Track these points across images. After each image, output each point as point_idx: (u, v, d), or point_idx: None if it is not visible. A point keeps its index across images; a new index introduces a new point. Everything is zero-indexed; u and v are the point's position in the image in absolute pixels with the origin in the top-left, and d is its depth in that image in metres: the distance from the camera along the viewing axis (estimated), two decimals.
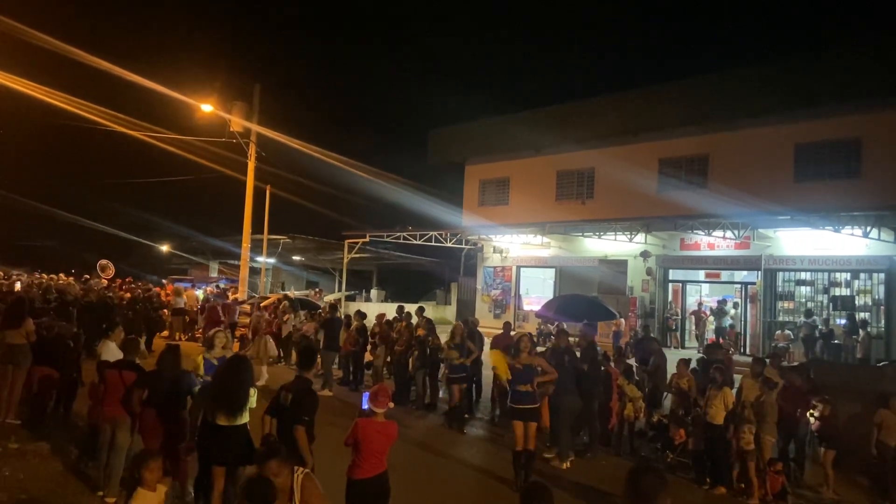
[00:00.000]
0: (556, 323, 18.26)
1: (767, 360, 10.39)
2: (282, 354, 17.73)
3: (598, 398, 9.92)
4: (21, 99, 19.98)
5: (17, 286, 21.22)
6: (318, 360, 15.24)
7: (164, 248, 44.09)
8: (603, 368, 10.41)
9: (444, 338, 13.66)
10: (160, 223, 44.01)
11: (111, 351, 8.36)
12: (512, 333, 13.09)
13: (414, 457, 9.24)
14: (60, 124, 23.26)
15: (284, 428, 5.72)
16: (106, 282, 24.00)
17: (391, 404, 5.75)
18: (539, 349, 12.86)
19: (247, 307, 21.20)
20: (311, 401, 6.00)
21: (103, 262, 26.74)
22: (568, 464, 9.17)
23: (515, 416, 8.34)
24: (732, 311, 21.34)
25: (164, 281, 33.04)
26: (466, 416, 11.65)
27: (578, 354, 10.41)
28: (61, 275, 26.51)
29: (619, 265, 23.55)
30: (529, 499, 3.90)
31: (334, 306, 14.93)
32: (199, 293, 25.70)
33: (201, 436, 6.34)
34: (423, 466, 8.96)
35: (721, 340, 18.32)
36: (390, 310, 17.23)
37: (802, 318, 18.72)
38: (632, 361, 12.28)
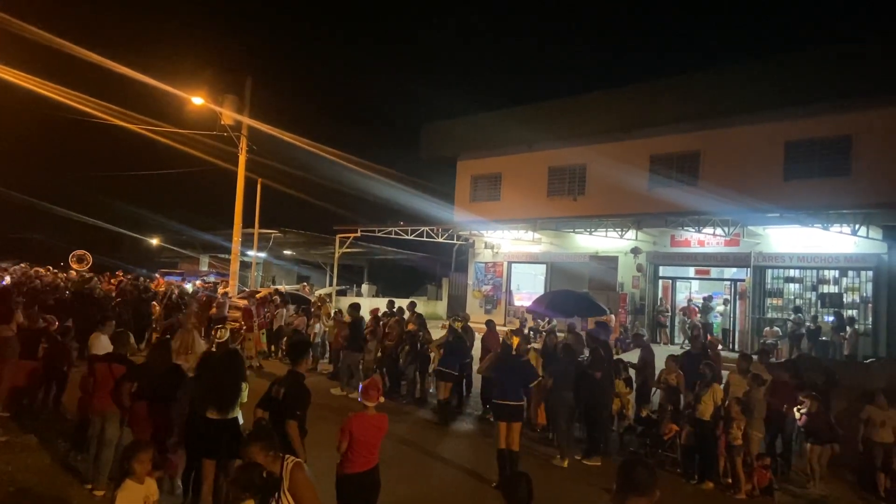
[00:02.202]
0: (546, 319, 18.33)
1: (755, 357, 10.49)
2: (272, 349, 17.70)
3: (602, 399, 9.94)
4: (8, 90, 19.79)
5: (7, 280, 21.12)
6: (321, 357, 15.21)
7: (154, 241, 43.88)
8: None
9: (435, 333, 13.73)
10: (150, 216, 43.76)
11: (102, 344, 8.35)
12: (503, 329, 13.16)
13: (404, 451, 9.27)
14: (49, 115, 23.10)
15: (276, 422, 5.72)
16: (75, 272, 23.80)
17: (381, 398, 5.77)
18: (535, 346, 12.94)
19: (239, 301, 21.08)
20: (303, 395, 5.99)
21: (79, 252, 26.38)
22: (578, 461, 9.14)
23: (499, 414, 8.37)
24: (721, 308, 21.45)
25: (155, 275, 32.88)
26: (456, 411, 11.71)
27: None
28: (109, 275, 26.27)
29: (610, 261, 23.63)
30: (510, 487, 3.96)
31: (357, 305, 14.60)
32: (189, 287, 25.61)
33: (192, 429, 6.34)
34: (412, 461, 8.99)
35: (708, 337, 18.44)
36: (381, 305, 17.24)
37: (791, 315, 18.86)
38: (626, 357, 12.35)
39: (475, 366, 12.62)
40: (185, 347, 9.40)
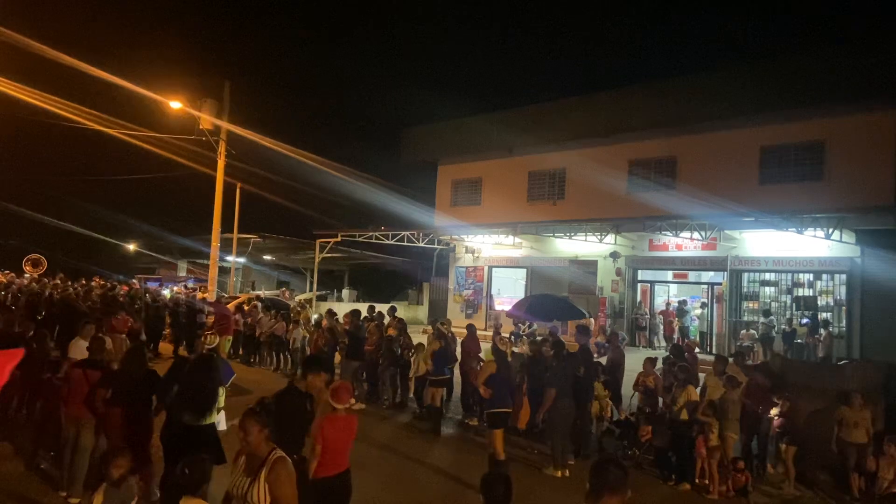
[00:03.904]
0: (527, 323, 18.39)
1: (730, 359, 10.60)
2: (257, 358, 17.53)
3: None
4: None
5: None
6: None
7: (132, 246, 43.41)
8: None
9: (416, 338, 13.68)
10: (127, 221, 43.32)
11: (81, 349, 8.24)
12: (483, 333, 13.15)
13: (384, 456, 9.26)
14: (24, 119, 22.78)
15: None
16: (33, 278, 23.43)
17: (352, 400, 5.76)
18: (514, 349, 12.96)
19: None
20: (293, 413, 5.72)
21: (34, 256, 25.91)
22: (567, 472, 8.95)
23: (496, 422, 8.31)
24: (698, 311, 21.67)
25: (132, 280, 32.55)
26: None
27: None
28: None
29: (590, 265, 23.78)
30: (488, 486, 3.96)
31: (357, 312, 14.09)
32: (167, 292, 25.38)
33: (169, 435, 6.29)
34: (393, 465, 8.98)
35: (686, 341, 18.62)
36: (362, 310, 17.16)
37: (761, 318, 19.11)
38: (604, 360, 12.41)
39: (456, 370, 12.61)
40: (116, 353, 9.27)
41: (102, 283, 26.44)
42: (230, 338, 16.25)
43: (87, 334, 8.61)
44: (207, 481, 4.23)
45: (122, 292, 21.61)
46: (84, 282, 26.24)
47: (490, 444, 8.39)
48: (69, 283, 25.04)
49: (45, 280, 24.43)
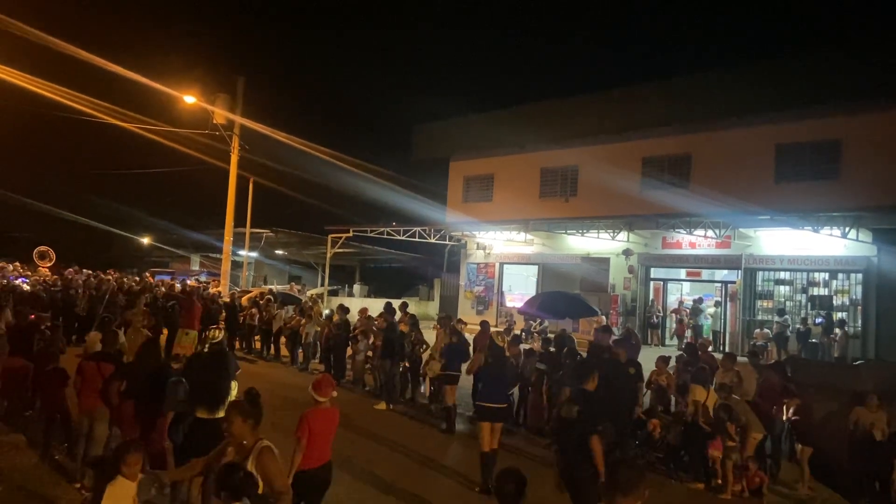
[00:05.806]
0: (538, 320, 18.33)
1: (740, 358, 10.53)
2: (273, 351, 17.54)
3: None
4: None
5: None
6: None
7: (145, 240, 43.63)
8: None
9: (426, 334, 13.64)
10: (141, 215, 43.50)
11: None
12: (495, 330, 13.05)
13: (390, 453, 9.23)
14: (38, 112, 22.95)
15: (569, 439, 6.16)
16: (46, 270, 23.42)
17: (334, 393, 5.78)
18: (524, 346, 12.90)
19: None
20: (596, 411, 6.34)
21: (42, 248, 25.81)
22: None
23: (483, 415, 8.25)
24: (713, 310, 21.53)
25: (145, 274, 32.72)
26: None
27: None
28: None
29: (602, 263, 23.70)
30: (500, 482, 3.96)
31: (391, 309, 13.66)
32: (179, 286, 25.46)
33: (179, 429, 6.31)
34: (399, 462, 8.94)
35: (699, 340, 18.50)
36: (373, 305, 17.17)
37: (776, 317, 18.97)
38: None
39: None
40: (135, 346, 9.28)
41: (126, 278, 26.63)
42: (191, 332, 15.08)
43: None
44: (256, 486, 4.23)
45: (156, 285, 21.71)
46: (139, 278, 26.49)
47: (479, 436, 8.33)
48: (125, 276, 25.27)
49: (102, 275, 24.60)
